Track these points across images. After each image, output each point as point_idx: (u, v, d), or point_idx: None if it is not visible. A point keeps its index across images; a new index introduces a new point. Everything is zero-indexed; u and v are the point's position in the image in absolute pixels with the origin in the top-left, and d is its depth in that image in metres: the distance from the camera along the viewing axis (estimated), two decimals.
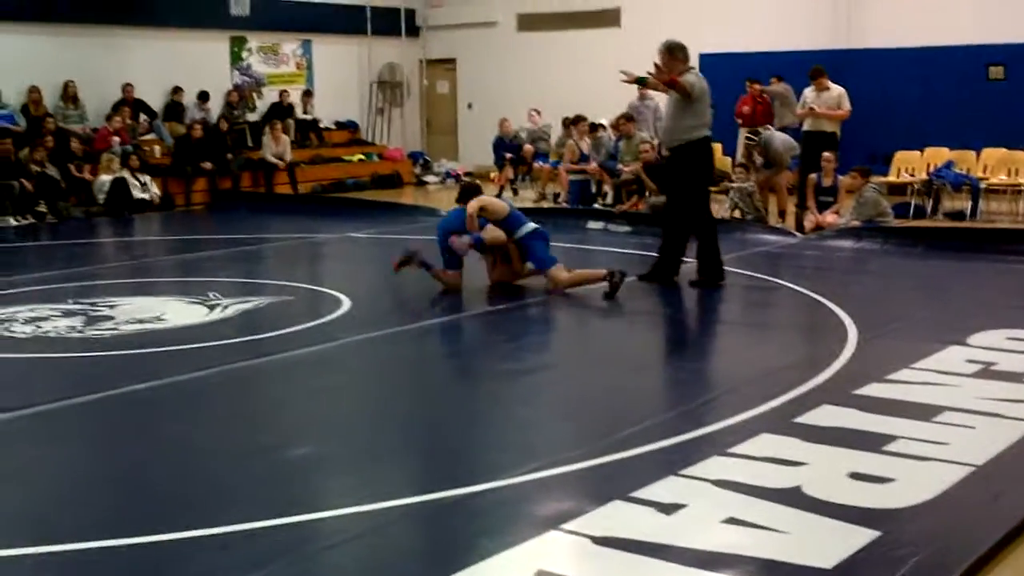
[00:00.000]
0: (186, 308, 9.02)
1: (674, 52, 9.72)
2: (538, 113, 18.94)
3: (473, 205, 9.45)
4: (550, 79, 20.67)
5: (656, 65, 9.66)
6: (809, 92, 14.14)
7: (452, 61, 23.07)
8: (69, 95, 17.31)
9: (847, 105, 13.85)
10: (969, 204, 14.56)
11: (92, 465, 5.45)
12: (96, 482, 5.18)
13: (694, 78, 9.66)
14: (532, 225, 9.64)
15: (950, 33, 17.09)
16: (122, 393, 6.48)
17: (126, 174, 16.30)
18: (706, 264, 9.84)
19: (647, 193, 14.10)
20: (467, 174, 21.36)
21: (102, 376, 6.88)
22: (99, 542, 4.34)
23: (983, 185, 14.76)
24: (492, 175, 19.42)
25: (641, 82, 10.05)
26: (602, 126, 16.89)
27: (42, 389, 6.67)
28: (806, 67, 14.56)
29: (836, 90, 13.97)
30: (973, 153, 15.56)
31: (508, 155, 18.08)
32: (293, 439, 5.68)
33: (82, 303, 9.17)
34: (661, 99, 17.26)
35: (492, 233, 9.58)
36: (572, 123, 17.32)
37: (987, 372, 6.65)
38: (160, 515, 4.59)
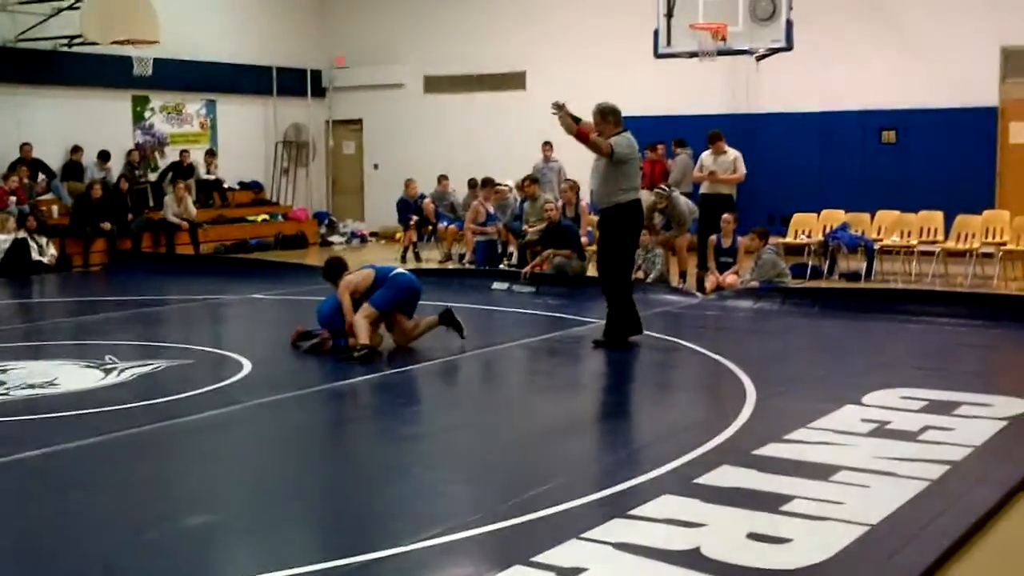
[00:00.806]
0: (81, 372, 8.82)
1: (605, 115, 9.77)
2: (446, 179, 18.94)
3: (345, 299, 9.38)
4: (456, 140, 20.85)
5: (558, 105, 9.65)
6: (706, 156, 14.51)
7: (359, 122, 23.12)
8: None
9: (742, 168, 14.30)
10: (864, 265, 14.92)
11: None
12: None
13: (623, 140, 9.68)
14: (396, 271, 9.73)
15: (845, 99, 17.64)
16: (12, 461, 6.30)
17: (24, 235, 15.97)
18: (614, 325, 9.86)
19: (551, 252, 14.18)
20: (372, 234, 21.39)
21: None
22: None
23: (877, 247, 15.15)
24: (397, 235, 19.44)
25: (576, 120, 9.77)
26: (507, 187, 17.02)
27: None
28: (706, 131, 14.91)
29: (732, 153, 14.37)
30: (868, 215, 15.99)
31: (413, 218, 18.06)
32: (190, 507, 5.57)
33: None
34: (565, 160, 17.63)
35: (364, 313, 9.41)
36: (480, 185, 17.44)
37: (881, 431, 6.78)
38: None
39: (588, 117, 9.85)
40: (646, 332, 10.14)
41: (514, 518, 5.20)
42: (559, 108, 9.74)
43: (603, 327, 9.96)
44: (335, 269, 9.79)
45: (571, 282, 13.44)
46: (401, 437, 7.20)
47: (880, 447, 6.41)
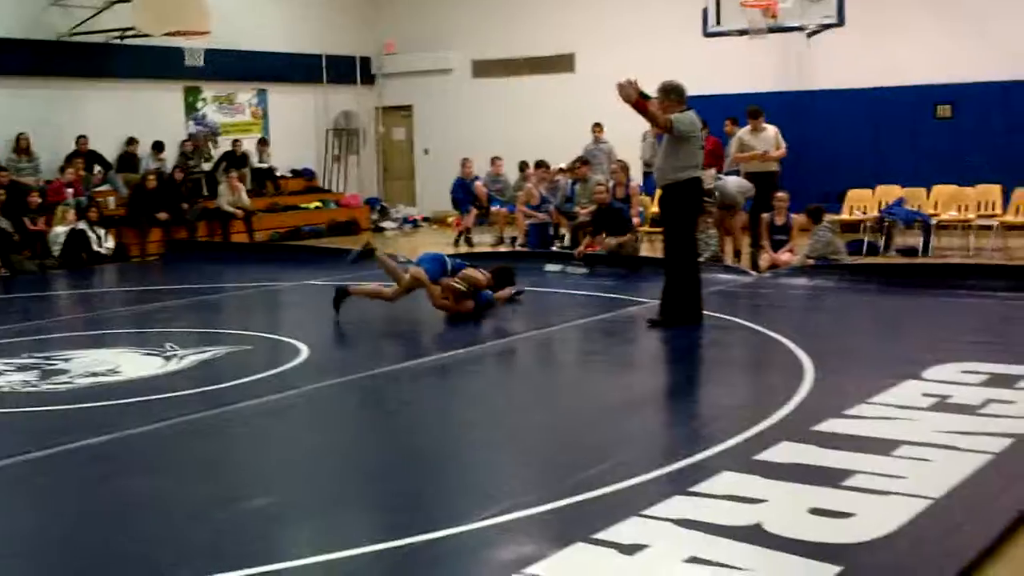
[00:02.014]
0: (142, 360, 8.94)
1: (668, 92, 9.78)
2: (500, 159, 18.96)
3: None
4: (505, 124, 20.81)
5: (622, 86, 9.42)
6: (745, 133, 14.37)
7: (408, 107, 23.17)
8: (22, 147, 17.21)
9: (783, 144, 14.16)
10: (921, 240, 14.74)
11: (45, 522, 5.36)
12: (49, 540, 5.08)
13: (685, 117, 9.63)
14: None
15: (898, 74, 17.40)
16: (77, 448, 6.40)
17: (84, 225, 16.21)
18: (670, 305, 9.77)
19: (603, 235, 14.15)
20: (424, 219, 21.45)
21: (57, 431, 6.79)
22: None
23: (934, 221, 14.96)
24: (449, 219, 19.48)
25: (644, 97, 9.62)
26: (561, 170, 17.03)
27: None
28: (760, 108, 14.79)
29: (771, 129, 14.24)
30: (923, 190, 15.80)
31: (472, 208, 18.04)
32: (252, 490, 5.64)
33: (37, 357, 9.08)
34: (616, 141, 17.56)
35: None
36: (533, 167, 17.47)
37: (942, 405, 6.72)
38: (115, 574, 4.52)
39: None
40: (703, 312, 10.09)
41: (574, 496, 5.20)
42: (628, 83, 9.45)
43: (658, 306, 9.92)
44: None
45: (625, 262, 13.40)
46: (458, 418, 7.24)
47: (941, 421, 6.35)
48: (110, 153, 18.68)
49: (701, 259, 13.25)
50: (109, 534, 5.08)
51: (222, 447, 6.67)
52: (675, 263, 9.80)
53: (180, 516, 5.31)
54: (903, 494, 5.13)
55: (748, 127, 14.44)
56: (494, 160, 18.90)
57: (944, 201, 15.51)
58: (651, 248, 14.80)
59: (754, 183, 14.03)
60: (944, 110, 17.41)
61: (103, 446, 6.47)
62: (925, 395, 6.95)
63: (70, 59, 18.02)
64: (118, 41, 18.16)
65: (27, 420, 7.29)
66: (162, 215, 17.44)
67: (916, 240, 14.83)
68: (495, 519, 4.97)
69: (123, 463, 6.25)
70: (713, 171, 16.96)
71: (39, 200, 16.37)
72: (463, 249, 16.25)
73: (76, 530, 5.18)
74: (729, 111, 17.67)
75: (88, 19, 17.76)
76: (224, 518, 5.21)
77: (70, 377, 8.35)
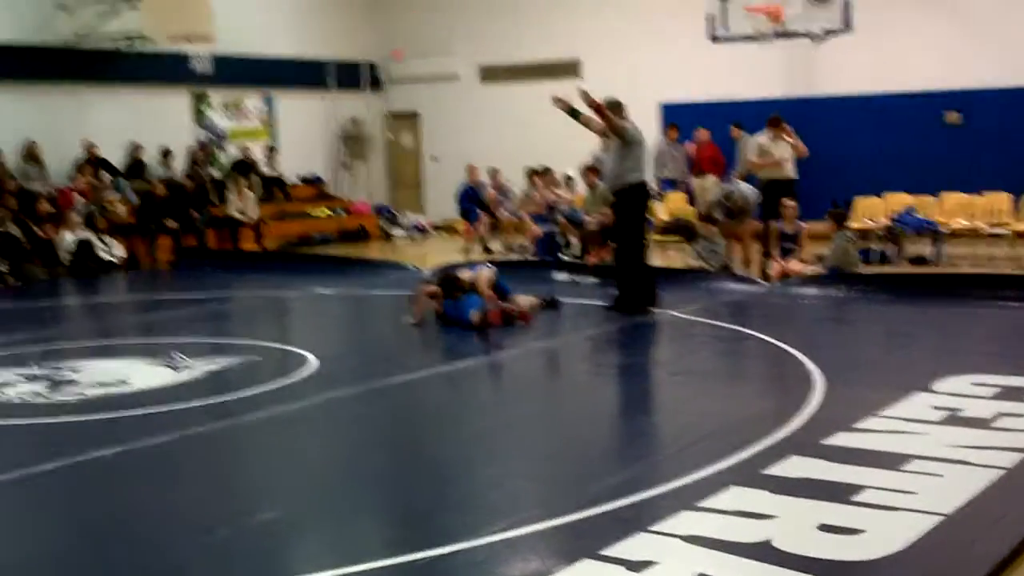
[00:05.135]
0: (151, 370, 8.95)
1: (614, 107, 10.77)
2: (499, 171, 18.93)
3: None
4: (513, 130, 20.80)
5: (584, 91, 10.74)
6: (765, 140, 14.31)
7: (415, 114, 23.18)
8: (31, 155, 17.23)
9: (803, 145, 14.19)
10: (931, 249, 14.69)
11: (51, 534, 5.36)
12: (55, 552, 5.09)
13: (630, 125, 10.78)
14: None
15: (906, 80, 17.36)
16: (86, 460, 6.40)
17: (91, 235, 16.22)
18: (627, 294, 10.89)
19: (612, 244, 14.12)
20: (434, 226, 21.44)
21: (66, 442, 6.80)
22: None
23: (944, 230, 14.91)
24: (458, 227, 19.46)
25: (574, 115, 11.04)
26: (569, 178, 17.02)
27: (3, 457, 6.59)
28: (764, 114, 14.77)
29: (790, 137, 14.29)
30: (932, 198, 15.76)
31: (481, 215, 18.02)
32: (261, 503, 5.63)
33: (46, 367, 9.08)
34: None
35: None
36: (539, 174, 17.46)
37: (953, 419, 6.68)
38: None
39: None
40: (712, 322, 10.10)
41: (582, 511, 5.19)
42: (559, 101, 10.93)
43: (614, 297, 10.99)
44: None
45: None
46: (466, 431, 7.22)
47: (952, 435, 6.32)
48: (117, 159, 18.69)
49: (710, 268, 13.33)
50: (115, 547, 5.08)
51: (230, 459, 6.68)
52: (629, 258, 10.87)
53: (187, 529, 5.30)
54: (913, 510, 5.10)
55: (767, 133, 14.37)
56: (493, 172, 18.84)
57: (953, 209, 15.46)
58: (662, 256, 14.79)
59: (772, 190, 13.97)
60: (953, 116, 17.35)
61: (111, 458, 6.46)
62: (936, 408, 6.91)
63: (78, 65, 18.01)
64: (126, 47, 18.17)
65: (36, 431, 7.30)
66: (171, 223, 17.45)
67: (926, 249, 14.78)
68: (502, 534, 4.95)
69: (131, 475, 6.25)
70: (714, 178, 17.08)
71: (50, 208, 16.40)
72: (477, 256, 16.23)
73: (82, 542, 5.18)
74: (735, 117, 17.70)
75: (96, 25, 17.75)
76: (232, 532, 5.20)
77: (80, 388, 8.35)
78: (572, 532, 5.01)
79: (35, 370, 8.99)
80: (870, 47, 16.98)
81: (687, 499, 5.33)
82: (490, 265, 10.76)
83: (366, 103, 22.82)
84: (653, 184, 12.88)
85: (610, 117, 10.63)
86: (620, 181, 10.78)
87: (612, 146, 10.95)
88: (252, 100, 21.20)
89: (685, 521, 5.03)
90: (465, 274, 10.52)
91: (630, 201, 10.80)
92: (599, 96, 10.80)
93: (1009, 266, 13.96)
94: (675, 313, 10.85)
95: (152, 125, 19.07)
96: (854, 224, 15.64)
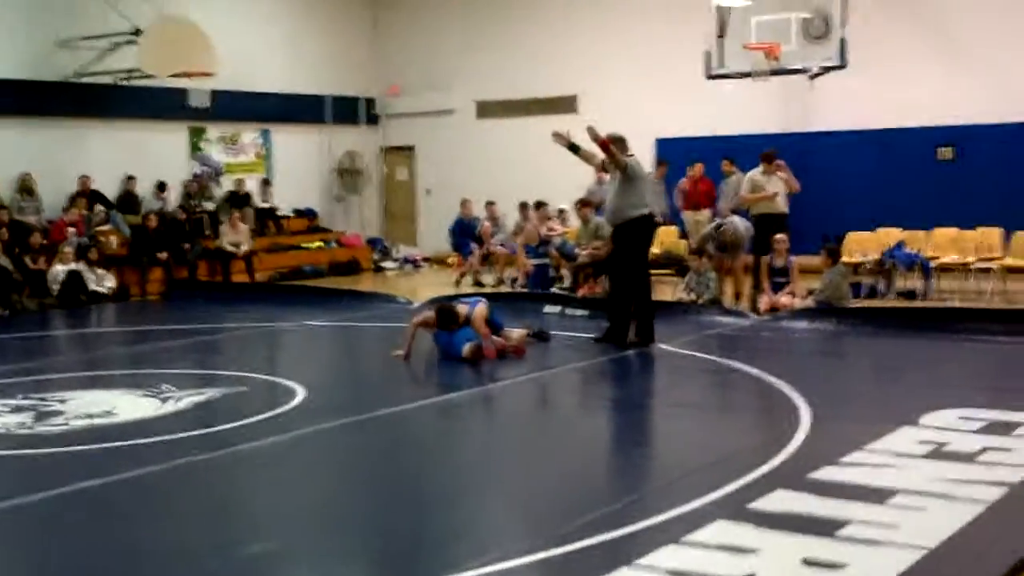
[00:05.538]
0: (138, 401, 8.92)
1: (617, 142, 10.74)
2: (494, 204, 19.00)
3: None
4: (508, 165, 20.87)
5: (591, 127, 10.67)
6: (758, 175, 14.36)
7: (411, 148, 23.25)
8: (25, 187, 17.25)
9: (796, 181, 14.25)
10: (921, 283, 14.72)
11: (35, 568, 5.33)
12: None
13: (633, 160, 10.80)
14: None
15: (900, 116, 17.45)
16: (71, 491, 6.37)
17: (82, 266, 16.21)
18: (618, 328, 10.89)
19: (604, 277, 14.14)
20: (425, 259, 21.46)
21: (50, 474, 6.78)
22: None
23: (934, 264, 14.94)
24: (449, 260, 19.49)
25: (574, 149, 11.04)
26: (562, 211, 17.05)
27: None
28: (760, 150, 14.82)
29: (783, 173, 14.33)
30: (924, 233, 15.80)
31: (474, 248, 18.06)
32: (248, 536, 5.61)
33: (32, 398, 9.05)
34: None
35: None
36: (533, 207, 17.51)
37: (939, 453, 6.68)
38: None
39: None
40: (701, 355, 10.07)
41: (568, 544, 5.16)
42: (559, 136, 10.98)
43: (605, 329, 11.05)
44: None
45: None
46: (453, 463, 7.21)
47: (938, 469, 6.31)
48: (113, 192, 18.71)
49: (700, 302, 13.34)
50: None
51: (216, 491, 6.64)
52: (631, 292, 10.84)
53: (174, 562, 5.27)
54: (898, 544, 5.09)
55: (760, 168, 14.43)
56: (488, 204, 18.90)
57: (945, 244, 15.50)
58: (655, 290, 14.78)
59: (764, 225, 14.02)
60: (945, 152, 17.43)
61: (96, 490, 6.43)
62: (921, 442, 6.91)
63: (76, 100, 18.08)
64: (124, 82, 18.24)
65: (20, 463, 7.26)
66: (163, 255, 17.45)
67: (916, 283, 14.81)
68: (488, 567, 4.93)
69: (116, 507, 6.21)
70: (708, 212, 17.14)
71: (42, 240, 16.40)
72: (468, 289, 16.23)
73: (65, 574, 5.14)
74: (730, 152, 17.76)
75: (94, 61, 17.83)
76: (220, 566, 5.18)
77: (65, 419, 8.32)
78: (558, 566, 4.99)
79: (21, 400, 8.96)
80: (865, 84, 17.05)
81: (673, 533, 5.31)
82: (483, 299, 10.73)
83: (362, 137, 22.89)
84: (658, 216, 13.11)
85: (615, 152, 10.64)
86: (621, 215, 10.78)
87: (613, 180, 10.93)
88: (249, 134, 21.26)
89: (670, 555, 5.01)
90: (461, 308, 10.50)
91: (631, 235, 10.80)
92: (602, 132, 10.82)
93: (998, 301, 13.98)
94: (664, 346, 10.86)
95: (150, 159, 19.14)
96: (845, 258, 15.68)
